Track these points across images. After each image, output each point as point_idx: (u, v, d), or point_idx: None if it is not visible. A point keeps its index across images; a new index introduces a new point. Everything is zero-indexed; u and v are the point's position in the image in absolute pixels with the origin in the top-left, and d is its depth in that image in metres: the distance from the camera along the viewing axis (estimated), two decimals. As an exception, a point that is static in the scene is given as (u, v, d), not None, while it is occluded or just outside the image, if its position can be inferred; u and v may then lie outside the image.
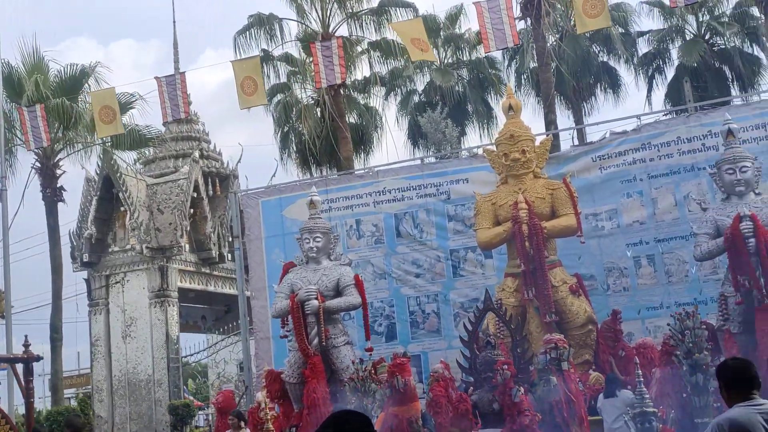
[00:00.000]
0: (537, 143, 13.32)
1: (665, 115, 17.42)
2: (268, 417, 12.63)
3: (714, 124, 13.87)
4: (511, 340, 9.47)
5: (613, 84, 25.70)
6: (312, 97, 25.21)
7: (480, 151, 15.55)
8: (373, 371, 11.00)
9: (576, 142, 18.37)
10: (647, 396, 8.74)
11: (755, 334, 10.34)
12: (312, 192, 13.38)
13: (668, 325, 10.80)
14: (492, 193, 13.22)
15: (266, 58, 23.42)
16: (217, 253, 21.94)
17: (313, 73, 22.10)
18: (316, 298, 12.04)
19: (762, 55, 24.27)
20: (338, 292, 12.45)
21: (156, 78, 16.51)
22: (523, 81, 25.99)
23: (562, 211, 12.59)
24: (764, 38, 21.94)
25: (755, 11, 23.92)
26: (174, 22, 21.84)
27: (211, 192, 22.18)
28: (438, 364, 11.84)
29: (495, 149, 13.45)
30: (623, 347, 12.10)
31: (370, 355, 11.73)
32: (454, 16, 26.41)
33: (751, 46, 24.70)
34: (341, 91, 22.01)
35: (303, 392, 11.93)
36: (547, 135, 15.15)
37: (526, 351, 10.34)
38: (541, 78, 20.30)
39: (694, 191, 13.72)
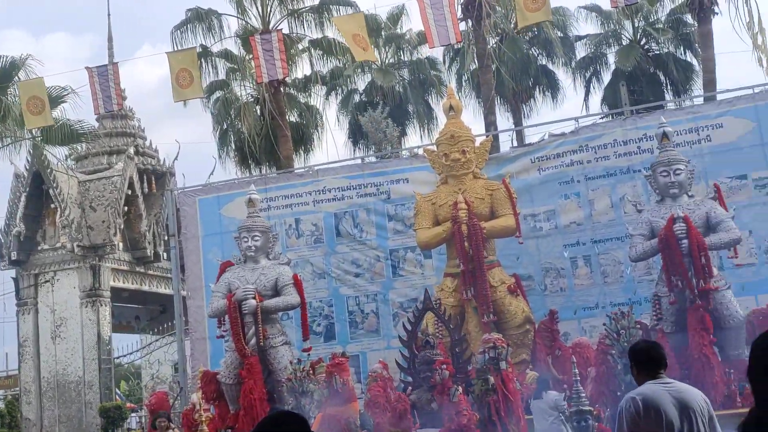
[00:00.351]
0: (477, 144, 13.38)
1: (602, 118, 17.69)
2: (203, 419, 12.44)
3: (649, 128, 14.11)
4: (450, 339, 9.44)
5: (552, 87, 26.04)
6: (252, 95, 24.95)
7: (420, 151, 15.55)
8: (311, 371, 10.90)
9: (515, 144, 18.51)
10: (583, 395, 8.82)
11: (687, 333, 10.53)
12: (251, 190, 13.21)
13: (604, 325, 10.95)
14: (432, 193, 13.22)
15: (204, 53, 23.07)
16: (153, 251, 21.48)
17: (253, 70, 21.89)
18: (254, 298, 11.89)
19: (695, 62, 24.85)
20: (276, 291, 12.32)
21: (87, 68, 16.04)
22: (463, 83, 26.14)
23: (501, 211, 12.65)
24: (697, 45, 22.45)
25: (689, 18, 24.48)
26: (108, 15, 21.24)
27: (146, 189, 21.70)
28: (377, 364, 11.79)
29: (435, 149, 13.45)
30: (560, 347, 12.22)
31: (308, 355, 11.63)
32: (395, 17, 26.42)
33: (685, 53, 25.26)
34: (281, 89, 21.77)
35: (239, 393, 11.78)
36: (487, 136, 15.25)
37: (465, 351, 10.35)
38: (482, 79, 20.43)
39: (629, 193, 13.93)
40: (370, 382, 10.95)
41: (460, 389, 8.76)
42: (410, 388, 9.28)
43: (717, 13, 19.18)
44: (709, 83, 18.54)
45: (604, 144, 14.51)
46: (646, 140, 14.21)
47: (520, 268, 13.94)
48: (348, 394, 9.49)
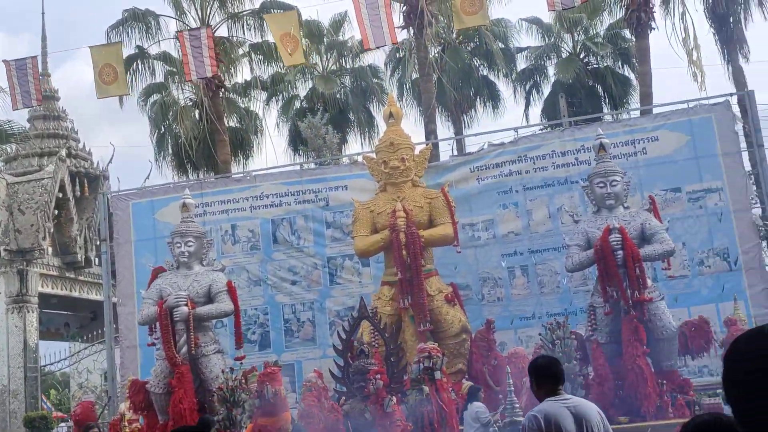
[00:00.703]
0: (416, 152, 13.29)
1: (541, 129, 17.81)
2: (127, 429, 12.08)
3: (587, 139, 14.24)
4: (385, 349, 9.29)
5: (493, 98, 26.17)
6: (190, 99, 24.51)
7: (360, 159, 15.41)
8: (243, 380, 10.62)
9: (455, 153, 18.52)
10: (517, 405, 8.75)
11: (621, 344, 10.57)
12: (185, 194, 12.90)
13: (539, 335, 10.95)
14: (370, 200, 13.09)
15: (141, 55, 22.58)
16: (84, 257, 20.89)
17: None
18: (186, 305, 11.58)
19: (632, 76, 25.25)
20: (210, 298, 12.03)
21: (5, 62, 15.44)
22: (405, 91, 26.10)
23: (439, 220, 12.56)
24: (634, 60, 22.83)
25: (627, 33, 24.88)
26: (42, 13, 20.65)
27: (78, 193, 21.10)
28: (311, 373, 11.59)
29: (375, 157, 13.32)
30: (496, 357, 12.19)
31: (241, 363, 11.36)
32: (337, 23, 26.28)
33: (622, 67, 25.66)
34: (220, 92, 21.40)
35: (169, 403, 11.43)
36: (427, 144, 15.17)
37: (400, 360, 10.21)
38: (423, 88, 20.39)
39: (567, 204, 14.03)
40: (305, 391, 10.73)
41: (395, 399, 8.60)
42: (344, 398, 9.08)
43: (654, 29, 19.54)
44: (646, 97, 18.82)
45: (543, 155, 14.59)
46: (584, 152, 14.34)
47: (458, 278, 13.92)
48: (280, 404, 9.25)
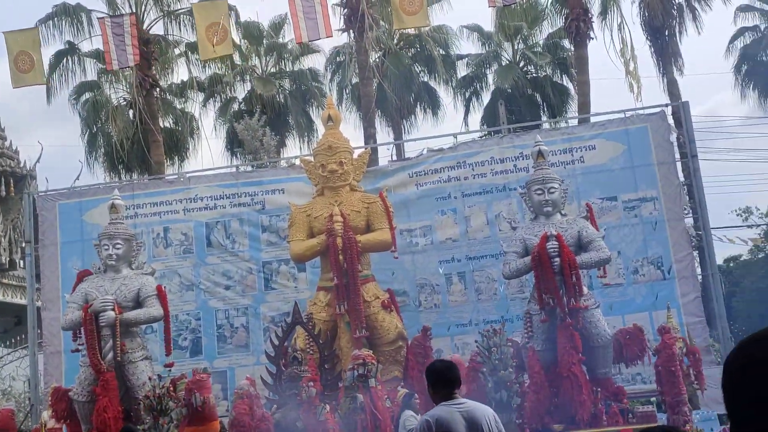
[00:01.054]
0: (355, 156, 13.09)
1: (481, 136, 17.81)
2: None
3: (525, 146, 14.24)
4: (320, 355, 9.04)
5: (433, 104, 26.14)
6: (124, 98, 23.89)
7: (297, 162, 15.16)
8: (171, 388, 10.23)
9: (394, 159, 18.37)
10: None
11: (557, 352, 10.52)
12: (114, 195, 12.45)
13: (476, 342, 10.84)
14: (307, 204, 12.83)
15: (71, 51, 21.89)
16: (8, 259, 20.12)
17: (127, 73, 20.97)
18: (113, 309, 11.15)
19: (570, 86, 25.54)
20: (138, 303, 11.62)
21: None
22: (344, 96, 25.91)
23: (377, 225, 12.37)
24: (573, 69, 23.08)
25: (566, 43, 25.15)
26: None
27: (3, 193, 20.33)
28: (244, 380, 11.28)
29: (312, 160, 13.08)
30: (432, 364, 12.05)
31: (170, 371, 10.96)
32: (277, 25, 25.92)
33: (561, 77, 25.94)
34: (154, 92, 20.85)
35: (92, 412, 10.98)
36: (366, 148, 14.97)
37: (335, 367, 9.98)
38: (363, 92, 20.21)
39: (505, 211, 14.00)
40: (236, 399, 10.41)
41: (328, 407, 8.36)
42: (275, 406, 8.80)
43: (592, 38, 19.74)
44: (584, 106, 18.98)
45: (482, 161, 14.55)
46: (522, 159, 14.34)
47: (395, 284, 13.76)
48: (208, 413, 8.93)
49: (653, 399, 13.22)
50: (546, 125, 19.53)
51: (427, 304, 14.33)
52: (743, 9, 25.37)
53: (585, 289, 10.81)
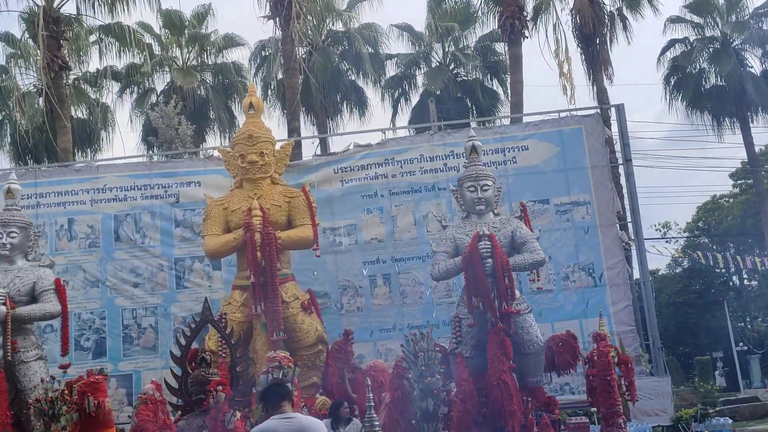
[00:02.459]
0: (278, 147, 12.27)
1: (411, 132, 17.20)
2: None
3: (457, 144, 13.74)
4: (231, 358, 8.19)
5: (360, 103, 25.42)
6: (34, 85, 22.48)
7: (215, 153, 14.24)
8: (66, 392, 9.20)
9: (319, 154, 17.62)
10: (377, 422, 7.88)
11: (487, 358, 9.92)
12: (11, 179, 11.33)
13: (402, 346, 10.12)
14: (225, 197, 11.94)
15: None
16: None
17: (37, 57, 19.68)
18: (4, 304, 10.07)
19: (501, 90, 25.24)
20: (33, 297, 10.56)
21: None
22: (269, 91, 24.96)
23: (299, 221, 11.55)
24: (506, 72, 22.76)
25: (498, 47, 24.86)
26: None
27: None
28: (148, 384, 10.36)
29: (231, 150, 12.21)
30: (353, 370, 11.34)
31: (64, 372, 9.93)
32: (201, 15, 24.84)
33: (492, 80, 25.60)
34: (63, 74, 19.52)
35: (-23, 416, 9.88)
36: (289, 140, 14.15)
37: (247, 371, 9.16)
38: (287, 83, 19.33)
39: (434, 211, 13.39)
40: (139, 404, 9.47)
41: (238, 415, 7.53)
42: (180, 412, 7.93)
43: (527, 37, 19.41)
44: (517, 106, 18.60)
45: (411, 159, 13.97)
46: (453, 157, 13.82)
47: (316, 285, 13.04)
48: (103, 419, 7.97)
49: (592, 410, 12.76)
50: (477, 124, 19.05)
51: (349, 307, 13.66)
52: (673, 20, 25.49)
53: (517, 293, 10.25)
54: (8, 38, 22.15)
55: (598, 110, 14.29)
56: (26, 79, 22.89)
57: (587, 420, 9.82)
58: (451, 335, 10.45)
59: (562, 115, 14.04)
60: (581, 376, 11.96)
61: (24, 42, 21.97)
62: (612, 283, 13.24)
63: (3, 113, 22.97)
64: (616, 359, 10.31)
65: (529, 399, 9.86)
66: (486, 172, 10.98)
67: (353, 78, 25.47)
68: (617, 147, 13.98)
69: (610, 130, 14.03)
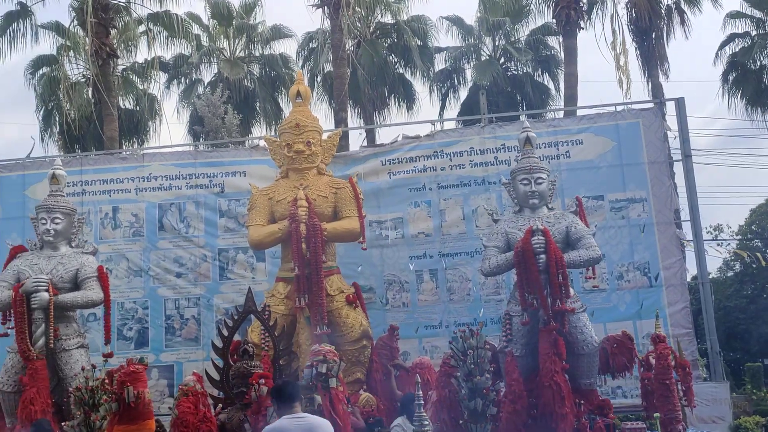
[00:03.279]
0: (325, 137, 11.99)
1: (461, 125, 16.77)
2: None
3: (509, 138, 13.33)
4: (274, 350, 7.91)
5: (408, 97, 25.00)
6: (83, 75, 22.53)
7: (262, 143, 14.01)
8: (107, 381, 9.01)
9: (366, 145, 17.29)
10: (426, 422, 7.52)
11: (538, 358, 9.53)
12: (56, 165, 11.21)
13: (450, 343, 9.77)
14: (270, 186, 11.69)
15: (23, 13, 20.45)
16: (-54, 236, 18.65)
17: (87, 47, 19.65)
18: (47, 290, 9.94)
19: (552, 85, 24.70)
20: (76, 284, 10.42)
21: None
22: (315, 84, 24.70)
23: (345, 212, 11.25)
24: (557, 69, 22.22)
25: (550, 41, 24.29)
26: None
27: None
28: (190, 376, 10.16)
29: (277, 139, 11.96)
30: (398, 367, 11.02)
31: (105, 362, 9.78)
32: (249, 6, 24.68)
33: (542, 75, 25.05)
34: (111, 62, 19.47)
35: (18, 404, 9.76)
36: (337, 130, 13.85)
37: (290, 364, 8.88)
38: (335, 74, 19.02)
39: (484, 205, 12.99)
40: (180, 396, 9.28)
41: (280, 409, 7.25)
42: (220, 405, 7.67)
43: (583, 28, 18.85)
44: (571, 99, 18.09)
45: (460, 151, 13.58)
46: (504, 151, 13.42)
47: (361, 279, 12.71)
48: (143, 410, 7.75)
49: (632, 415, 12.27)
50: (528, 117, 18.56)
51: (394, 303, 13.33)
52: (733, 15, 24.61)
53: (572, 291, 9.82)
54: (58, 28, 22.19)
55: (657, 103, 13.71)
56: (75, 69, 22.94)
57: (644, 425, 9.35)
58: (501, 333, 10.07)
59: (619, 108, 13.53)
60: (634, 379, 11.56)
61: (74, 32, 21.98)
62: (668, 284, 12.71)
63: (53, 103, 23.05)
64: (673, 363, 9.83)
65: (582, 402, 9.45)
66: (540, 164, 10.57)
67: (401, 71, 25.09)
68: (675, 143, 13.37)
69: (682, 119, 13.38)
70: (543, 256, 9.43)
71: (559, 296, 9.40)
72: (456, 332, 9.67)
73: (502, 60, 25.28)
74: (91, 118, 20.98)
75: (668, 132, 13.29)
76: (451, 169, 13.54)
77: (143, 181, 14.03)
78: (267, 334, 9.54)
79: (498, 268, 10.08)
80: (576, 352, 9.61)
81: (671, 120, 13.60)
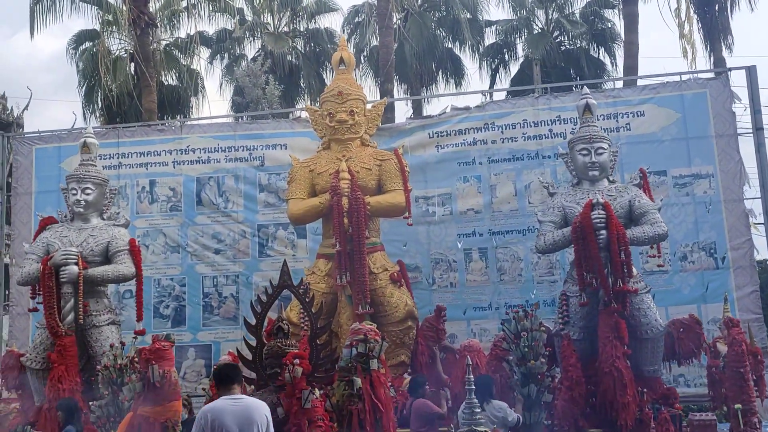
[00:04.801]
0: (369, 107, 11.31)
1: (512, 96, 15.93)
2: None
3: (564, 109, 12.55)
4: (311, 328, 7.33)
5: (456, 72, 24.17)
6: (126, 50, 22.17)
7: (304, 115, 13.40)
8: (136, 359, 8.51)
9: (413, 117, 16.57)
10: (478, 410, 6.86)
11: (597, 342, 8.80)
12: (87, 132, 10.73)
13: (502, 323, 9.12)
14: (311, 158, 11.06)
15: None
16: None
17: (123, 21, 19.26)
18: (76, 264, 9.48)
19: (607, 60, 23.68)
20: (107, 258, 9.96)
21: None
22: (361, 59, 23.99)
23: (390, 186, 10.56)
24: (614, 43, 21.16)
25: (606, 13, 23.26)
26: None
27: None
28: (225, 356, 9.66)
29: (319, 109, 11.32)
30: (445, 349, 10.36)
31: (135, 338, 9.29)
32: (294, -22, 24.13)
33: (598, 49, 24.02)
34: (150, 32, 18.99)
35: (46, 381, 9.33)
36: (381, 100, 13.16)
37: (329, 344, 8.28)
38: (381, 43, 18.32)
39: (536, 182, 12.21)
40: (214, 377, 8.77)
41: (317, 393, 6.65)
42: (252, 387, 7.11)
43: (644, -6, 17.89)
44: (631, 69, 17.14)
45: (512, 123, 12.80)
46: (560, 123, 12.62)
47: (407, 257, 12.05)
48: (168, 391, 7.21)
49: (693, 406, 11.44)
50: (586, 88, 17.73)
51: (441, 283, 12.64)
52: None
53: (634, 270, 9.05)
54: (100, 2, 21.81)
55: (724, 72, 12.75)
56: (118, 44, 22.59)
57: (714, 417, 8.56)
58: (557, 314, 9.35)
59: (684, 78, 12.61)
60: (697, 366, 10.77)
61: (115, 5, 21.59)
62: (736, 266, 11.81)
63: (94, 79, 22.75)
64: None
65: (645, 390, 8.70)
66: (601, 133, 9.81)
67: (450, 46, 24.27)
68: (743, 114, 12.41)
69: (754, 89, 12.41)
70: (604, 231, 8.71)
71: (621, 275, 8.68)
72: (508, 313, 8.99)
73: (556, 33, 24.27)
74: (132, 93, 20.65)
75: (737, 103, 12.34)
76: (503, 142, 12.77)
77: (181, 153, 13.53)
78: (306, 313, 8.94)
79: (554, 244, 9.36)
80: (639, 337, 8.88)
81: (738, 91, 12.66)
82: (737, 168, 12.07)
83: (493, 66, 24.82)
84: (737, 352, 8.41)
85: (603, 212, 8.81)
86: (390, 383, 7.75)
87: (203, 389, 10.40)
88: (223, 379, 5.59)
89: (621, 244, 8.70)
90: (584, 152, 9.59)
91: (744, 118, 12.37)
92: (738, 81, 12.61)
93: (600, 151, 9.57)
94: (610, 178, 9.76)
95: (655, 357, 9.01)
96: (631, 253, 8.92)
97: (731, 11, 20.50)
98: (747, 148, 12.38)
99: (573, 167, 9.80)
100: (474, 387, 6.73)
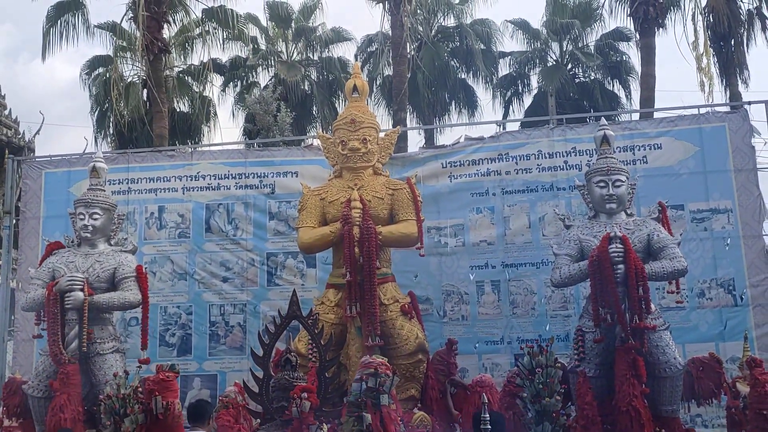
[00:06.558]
0: (382, 135, 11.16)
1: (526, 128, 15.75)
2: (6, 438, 9.78)
3: (580, 141, 12.34)
4: (319, 360, 7.08)
5: (470, 103, 24.10)
6: (138, 75, 22.19)
7: (315, 143, 13.25)
8: (140, 389, 8.32)
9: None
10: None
11: (614, 380, 8.54)
12: (96, 157, 10.61)
13: (517, 360, 8.84)
14: (322, 186, 10.89)
15: (75, 4, 20.03)
16: (-6, 233, 18.32)
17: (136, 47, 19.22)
18: (82, 289, 9.30)
19: (621, 93, 23.54)
20: (113, 284, 9.77)
21: None
22: (374, 88, 23.96)
23: (402, 215, 10.36)
24: (629, 75, 21.02)
25: (621, 46, 23.20)
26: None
27: (-3, 163, 18.65)
28: (231, 386, 9.44)
29: (331, 136, 11.18)
30: (456, 384, 10.09)
31: (139, 368, 9.08)
32: (308, 9, 24.14)
33: (612, 82, 23.92)
34: (163, 58, 18.98)
35: (48, 410, 9.11)
36: (395, 128, 13.00)
37: (338, 377, 8.04)
38: (394, 71, 18.24)
39: (555, 210, 12.00)
40: (220, 408, 8.59)
41: (325, 428, 6.42)
42: (258, 421, 6.87)
43: (662, 26, 17.73)
44: (648, 101, 17.00)
45: (527, 154, 12.60)
46: (575, 155, 12.42)
47: (418, 289, 11.79)
48: (171, 422, 7.00)
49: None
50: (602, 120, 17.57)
51: (453, 315, 12.37)
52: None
53: (653, 306, 8.81)
54: (114, 28, 21.90)
55: (744, 107, 12.57)
56: (131, 70, 22.64)
57: (734, 460, 8.27)
58: (572, 350, 9.10)
59: (702, 111, 12.42)
60: (715, 407, 10.46)
61: (129, 32, 21.65)
62: (756, 303, 11.52)
63: (107, 104, 22.78)
64: (765, 391, 8.72)
65: (663, 430, 8.41)
66: (619, 165, 9.61)
67: (463, 76, 24.22)
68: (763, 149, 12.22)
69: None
70: (621, 266, 8.49)
71: (639, 311, 8.44)
72: (523, 348, 8.74)
73: (570, 66, 24.22)
74: (144, 119, 20.62)
75: (756, 137, 12.14)
76: (517, 173, 12.57)
77: (191, 180, 13.37)
78: (314, 345, 8.72)
79: (570, 278, 9.13)
80: (657, 375, 8.61)
81: (758, 126, 12.48)
82: (757, 203, 11.83)
83: (507, 97, 24.75)
84: (760, 393, 8.13)
85: (621, 246, 8.61)
86: (400, 419, 7.50)
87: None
88: (195, 417, 5.98)
89: (639, 279, 8.48)
90: (602, 184, 9.41)
91: (763, 153, 12.19)
92: (757, 115, 12.48)
93: (618, 183, 9.38)
94: (628, 211, 9.55)
95: (674, 396, 8.73)
96: (649, 289, 8.70)
97: (747, 46, 20.41)
98: (766, 183, 12.19)
99: (590, 199, 9.61)
100: (489, 427, 6.49)
